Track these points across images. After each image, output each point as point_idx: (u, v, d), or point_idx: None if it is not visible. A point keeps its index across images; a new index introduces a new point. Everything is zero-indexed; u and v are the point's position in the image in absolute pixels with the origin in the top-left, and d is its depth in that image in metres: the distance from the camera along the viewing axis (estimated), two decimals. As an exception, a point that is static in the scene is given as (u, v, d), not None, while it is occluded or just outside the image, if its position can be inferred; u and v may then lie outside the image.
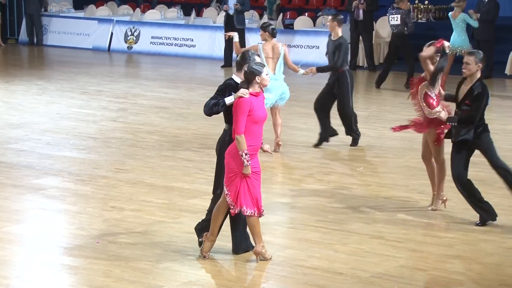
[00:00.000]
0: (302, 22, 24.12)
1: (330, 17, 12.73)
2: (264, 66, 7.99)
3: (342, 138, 13.27)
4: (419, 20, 22.74)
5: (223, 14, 22.76)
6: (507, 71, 20.07)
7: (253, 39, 23.09)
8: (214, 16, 25.86)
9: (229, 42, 21.85)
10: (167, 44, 24.36)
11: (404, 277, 7.67)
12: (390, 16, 18.20)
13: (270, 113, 12.55)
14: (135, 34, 24.65)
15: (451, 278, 7.73)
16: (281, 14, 25.55)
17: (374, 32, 21.39)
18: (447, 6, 23.74)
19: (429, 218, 9.35)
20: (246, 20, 22.55)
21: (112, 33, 25.18)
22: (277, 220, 9.33)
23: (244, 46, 21.89)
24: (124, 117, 15.06)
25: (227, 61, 22.13)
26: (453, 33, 17.91)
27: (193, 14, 25.79)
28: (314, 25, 23.84)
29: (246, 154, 7.75)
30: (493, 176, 9.36)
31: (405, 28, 18.07)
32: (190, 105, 16.50)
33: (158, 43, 24.51)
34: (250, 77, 7.90)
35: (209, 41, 23.95)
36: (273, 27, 12.85)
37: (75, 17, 26.69)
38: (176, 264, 7.94)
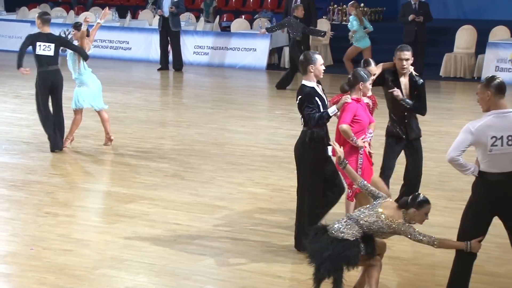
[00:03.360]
0: (239, 24, 24.17)
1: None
2: (370, 75, 8.19)
3: (280, 140, 13.31)
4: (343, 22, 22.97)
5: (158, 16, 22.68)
6: (441, 73, 20.39)
7: (189, 42, 23.09)
8: (149, 18, 25.74)
9: (165, 44, 21.82)
10: (102, 46, 24.14)
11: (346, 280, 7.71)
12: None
13: (98, 113, 12.90)
14: (69, 36, 24.36)
15: (388, 279, 7.77)
16: (218, 16, 25.55)
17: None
18: (382, 9, 24.03)
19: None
20: (182, 23, 22.52)
21: (46, 36, 24.86)
22: (216, 224, 9.33)
23: (180, 49, 21.91)
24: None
25: (163, 64, 22.06)
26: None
27: (129, 16, 25.65)
28: (251, 28, 23.90)
29: (354, 137, 7.95)
30: (428, 177, 9.47)
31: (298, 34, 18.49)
32: (127, 109, 16.40)
33: (92, 46, 24.15)
34: (355, 82, 8.05)
35: (145, 43, 23.83)
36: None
37: (7, 20, 26.35)
38: (112, 270, 7.88)
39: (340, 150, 7.30)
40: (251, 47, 22.43)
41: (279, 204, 10.10)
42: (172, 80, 21.30)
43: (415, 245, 8.58)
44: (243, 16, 25.60)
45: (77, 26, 13.13)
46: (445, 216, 9.04)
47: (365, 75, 8.13)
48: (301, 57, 8.23)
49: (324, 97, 8.19)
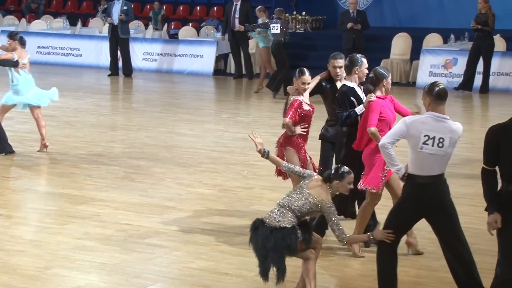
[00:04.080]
0: (186, 32, 24.37)
1: None
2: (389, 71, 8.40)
3: (227, 143, 13.53)
4: (297, 30, 23.37)
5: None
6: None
7: (138, 48, 23.23)
8: (100, 26, 25.82)
9: (114, 51, 21.96)
10: (53, 53, 24.22)
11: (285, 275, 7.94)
12: (272, 25, 18.80)
13: (32, 115, 12.91)
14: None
15: (329, 275, 7.98)
16: (166, 24, 25.72)
17: (251, 41, 21.76)
18: (323, 17, 24.48)
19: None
20: (131, 30, 22.67)
21: (-4, 44, 24.83)
22: (165, 224, 9.43)
23: (129, 56, 22.07)
24: (11, 125, 14.82)
25: (113, 70, 22.19)
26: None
27: (79, 24, 25.69)
28: (198, 35, 24.14)
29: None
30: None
31: (282, 37, 18.71)
32: (78, 113, 16.48)
33: (44, 53, 24.32)
34: (378, 81, 8.26)
35: (95, 50, 23.92)
36: (21, 35, 13.03)
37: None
38: (64, 270, 7.93)
39: (259, 142, 7.54)
40: (198, 53, 22.67)
41: (226, 204, 10.28)
42: (122, 85, 21.39)
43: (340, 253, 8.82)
44: (190, 24, 25.79)
45: (12, 35, 13.00)
46: (382, 214, 9.20)
47: (385, 72, 8.38)
48: (348, 58, 8.67)
49: (363, 98, 8.58)
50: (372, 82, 8.34)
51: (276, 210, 7.04)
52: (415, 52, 20.70)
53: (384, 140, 6.92)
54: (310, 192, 7.03)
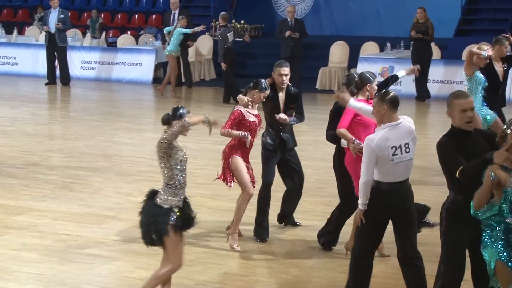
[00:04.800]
0: (124, 40, 24.27)
1: None
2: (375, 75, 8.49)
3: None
4: (236, 39, 23.43)
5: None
6: (317, 86, 21.11)
7: (76, 57, 23.07)
8: (36, 34, 25.57)
9: (52, 60, 21.76)
10: (-12, 62, 23.94)
11: (227, 284, 7.97)
12: (228, 34, 18.87)
13: None
14: None
15: (269, 282, 8.07)
16: (104, 32, 25.60)
17: (190, 49, 21.76)
18: (261, 25, 24.62)
19: (251, 225, 9.61)
20: (68, 39, 22.52)
21: None
22: (104, 233, 9.41)
23: (67, 64, 21.91)
24: None
25: (51, 79, 21.98)
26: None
27: (15, 32, 25.42)
28: (137, 43, 24.07)
29: (356, 140, 8.14)
30: (307, 184, 9.79)
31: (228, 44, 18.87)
32: (14, 123, 16.32)
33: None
34: (362, 85, 8.31)
35: (32, 59, 23.67)
36: None
37: None
38: (1, 282, 7.87)
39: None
40: (137, 61, 22.58)
41: (166, 213, 10.25)
42: (60, 94, 21.21)
43: (295, 248, 8.98)
44: (129, 32, 25.71)
45: None
46: (323, 220, 9.33)
47: (371, 77, 8.47)
48: (358, 76, 8.57)
49: None
50: (356, 85, 8.43)
51: (162, 186, 7.09)
52: (353, 60, 20.91)
53: (367, 177, 6.88)
54: (158, 153, 7.24)
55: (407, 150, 6.88)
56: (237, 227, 8.99)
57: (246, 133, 8.85)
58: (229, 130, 8.81)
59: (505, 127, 6.17)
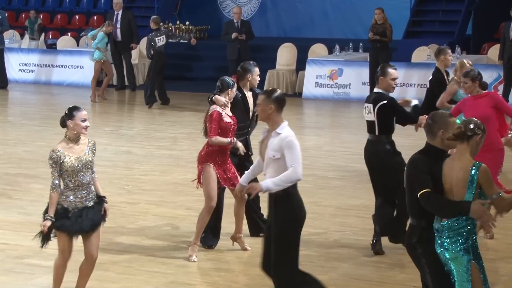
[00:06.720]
0: (65, 42, 23.91)
1: None
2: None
3: (110, 157, 13.27)
4: (181, 40, 23.20)
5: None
6: (265, 89, 20.86)
7: (14, 59, 22.65)
8: (-28, 36, 25.05)
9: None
10: None
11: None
12: (157, 38, 18.56)
13: None
14: None
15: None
16: (43, 34, 25.23)
17: (134, 51, 21.49)
18: (207, 26, 24.41)
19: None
20: (5, 40, 22.21)
21: None
22: (49, 244, 9.15)
23: (4, 67, 21.47)
24: None
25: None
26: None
27: (-51, 34, 24.88)
28: (78, 45, 23.71)
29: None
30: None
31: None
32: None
33: None
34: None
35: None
36: None
37: None
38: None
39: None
40: (78, 64, 22.23)
41: (110, 220, 9.83)
42: (-3, 98, 20.82)
43: (244, 257, 8.82)
44: (69, 34, 25.38)
45: None
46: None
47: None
48: (379, 69, 8.88)
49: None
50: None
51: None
52: (301, 63, 20.80)
53: (300, 171, 6.65)
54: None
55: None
56: (198, 239, 8.83)
57: (232, 138, 8.73)
58: (217, 137, 8.61)
59: (472, 126, 5.93)
